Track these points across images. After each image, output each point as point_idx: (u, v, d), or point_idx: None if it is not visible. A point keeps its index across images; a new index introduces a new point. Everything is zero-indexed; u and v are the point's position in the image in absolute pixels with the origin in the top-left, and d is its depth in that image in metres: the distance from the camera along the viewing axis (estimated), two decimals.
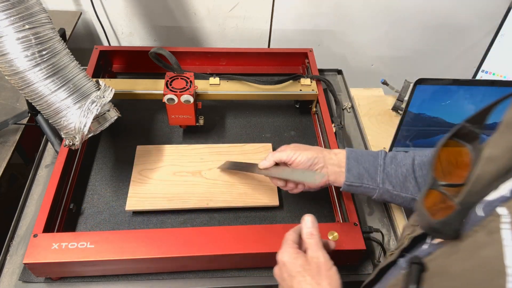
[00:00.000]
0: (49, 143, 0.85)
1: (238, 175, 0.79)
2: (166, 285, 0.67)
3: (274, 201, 0.76)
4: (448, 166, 0.40)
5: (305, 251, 0.49)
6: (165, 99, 0.78)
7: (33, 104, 0.64)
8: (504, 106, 0.34)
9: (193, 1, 1.21)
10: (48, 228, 0.65)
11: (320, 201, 0.79)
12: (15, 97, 0.96)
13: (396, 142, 0.86)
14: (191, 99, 0.79)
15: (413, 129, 0.84)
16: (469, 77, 0.98)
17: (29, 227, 0.72)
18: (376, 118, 1.00)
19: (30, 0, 0.59)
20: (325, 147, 0.85)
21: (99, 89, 0.67)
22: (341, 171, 0.63)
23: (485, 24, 1.34)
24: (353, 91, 1.06)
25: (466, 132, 0.39)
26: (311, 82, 0.92)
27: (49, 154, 0.85)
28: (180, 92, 0.78)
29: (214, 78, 0.89)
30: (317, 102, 0.93)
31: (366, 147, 0.93)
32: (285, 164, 0.67)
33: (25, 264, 0.60)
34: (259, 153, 0.83)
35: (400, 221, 0.79)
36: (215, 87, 0.88)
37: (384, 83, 1.04)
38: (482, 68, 0.96)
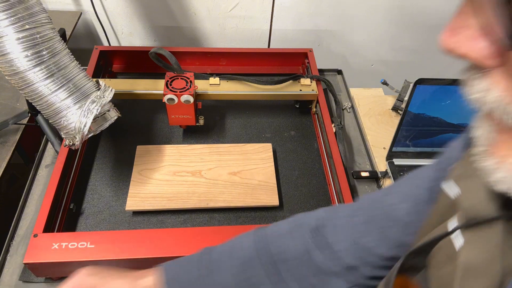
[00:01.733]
0: (49, 143, 0.85)
1: (238, 175, 0.79)
2: None
3: (274, 201, 0.76)
4: None
5: None
6: (165, 99, 0.79)
7: (33, 104, 0.64)
8: None
9: (193, 1, 1.21)
10: (48, 228, 0.66)
11: (320, 201, 0.79)
12: (15, 97, 0.96)
13: (396, 142, 0.86)
14: (191, 99, 0.79)
15: (413, 129, 0.84)
16: None
17: (29, 227, 0.72)
18: (376, 118, 1.00)
19: (30, 0, 0.59)
20: (325, 147, 0.86)
21: (99, 89, 0.67)
22: None
23: None
24: (353, 91, 1.06)
25: (411, 264, 0.35)
26: (311, 82, 0.92)
27: (49, 154, 0.85)
28: (180, 92, 0.78)
29: (214, 78, 0.89)
30: (317, 102, 0.93)
31: (366, 147, 0.93)
32: None
33: (25, 264, 0.60)
34: (259, 153, 0.83)
35: None
36: (215, 87, 0.88)
37: (384, 83, 1.04)
38: None
